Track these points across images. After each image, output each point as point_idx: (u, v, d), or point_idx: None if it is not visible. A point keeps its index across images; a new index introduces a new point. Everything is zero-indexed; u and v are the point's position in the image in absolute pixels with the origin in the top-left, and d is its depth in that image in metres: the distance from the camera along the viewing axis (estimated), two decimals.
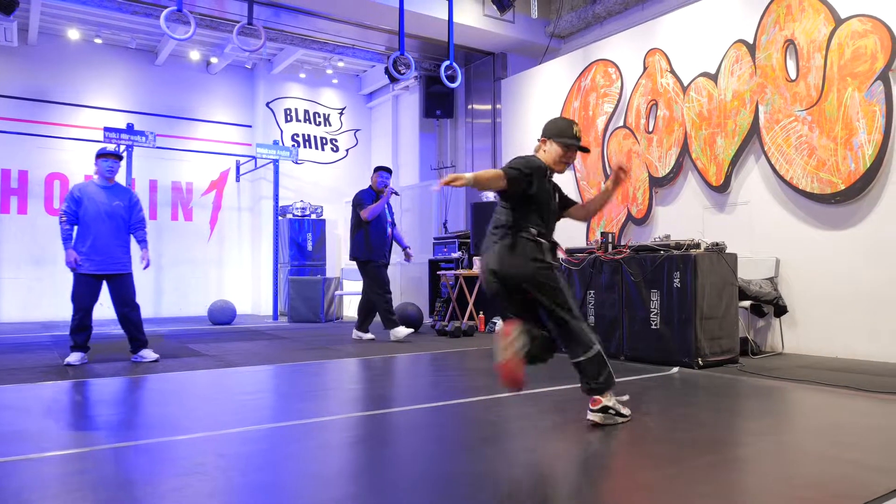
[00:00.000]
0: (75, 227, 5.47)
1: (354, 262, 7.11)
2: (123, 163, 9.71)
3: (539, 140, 3.36)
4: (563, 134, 3.28)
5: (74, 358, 5.36)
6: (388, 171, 7.31)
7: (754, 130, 6.26)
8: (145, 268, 5.76)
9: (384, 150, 12.55)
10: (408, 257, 7.52)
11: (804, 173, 5.85)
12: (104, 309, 10.13)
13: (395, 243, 7.35)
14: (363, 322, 7.18)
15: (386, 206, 7.14)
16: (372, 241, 6.98)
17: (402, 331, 6.96)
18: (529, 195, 3.14)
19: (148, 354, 5.59)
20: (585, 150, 3.35)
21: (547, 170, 3.27)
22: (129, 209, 5.64)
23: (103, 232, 5.46)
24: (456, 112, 10.94)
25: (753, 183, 6.32)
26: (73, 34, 10.14)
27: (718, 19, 6.65)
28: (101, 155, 5.58)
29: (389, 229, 7.17)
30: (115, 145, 9.23)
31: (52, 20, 9.86)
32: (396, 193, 7.29)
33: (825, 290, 5.71)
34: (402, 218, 10.60)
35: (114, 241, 5.51)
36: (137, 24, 9.90)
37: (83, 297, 5.42)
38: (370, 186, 7.15)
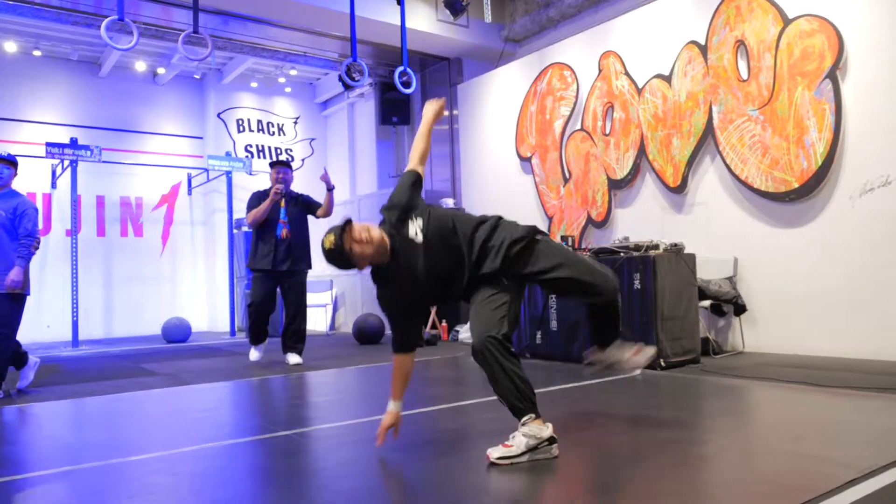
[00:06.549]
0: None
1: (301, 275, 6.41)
2: (67, 178, 9.43)
3: None
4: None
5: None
6: (284, 164, 6.48)
7: (709, 131, 6.32)
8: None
9: (340, 159, 12.37)
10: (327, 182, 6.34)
11: (759, 172, 5.91)
12: (50, 331, 9.88)
13: (298, 247, 6.31)
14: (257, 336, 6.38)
15: (285, 202, 6.27)
16: (258, 247, 6.26)
17: (252, 353, 6.39)
18: None
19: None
20: None
21: None
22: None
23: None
24: (413, 119, 10.84)
25: (710, 183, 6.37)
26: (10, 47, 9.73)
27: (670, 21, 6.71)
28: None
29: (284, 231, 6.23)
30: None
31: None
32: (282, 194, 6.26)
33: (782, 287, 5.76)
34: None
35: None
36: (78, 34, 9.54)
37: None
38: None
